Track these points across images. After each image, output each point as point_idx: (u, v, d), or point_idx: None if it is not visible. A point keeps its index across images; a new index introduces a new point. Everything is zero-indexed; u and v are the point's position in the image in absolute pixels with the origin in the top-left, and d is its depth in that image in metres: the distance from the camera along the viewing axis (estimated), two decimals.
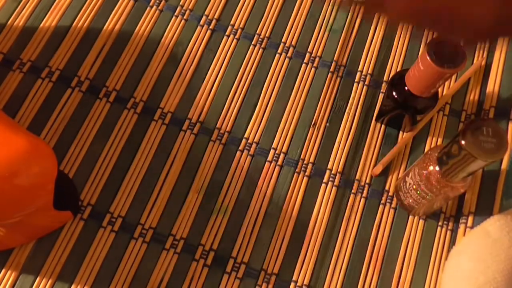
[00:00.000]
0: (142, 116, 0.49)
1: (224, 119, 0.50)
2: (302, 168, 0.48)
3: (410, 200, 0.45)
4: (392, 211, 0.48)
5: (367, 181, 0.49)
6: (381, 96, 0.52)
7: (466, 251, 0.43)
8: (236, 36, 0.54)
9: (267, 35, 0.54)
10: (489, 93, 0.53)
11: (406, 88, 0.44)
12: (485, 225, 0.44)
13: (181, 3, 0.54)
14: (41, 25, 0.52)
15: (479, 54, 0.55)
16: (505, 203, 0.48)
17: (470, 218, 0.47)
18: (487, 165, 0.36)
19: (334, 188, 0.48)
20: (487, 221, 0.44)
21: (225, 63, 0.52)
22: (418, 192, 0.43)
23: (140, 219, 0.45)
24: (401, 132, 0.51)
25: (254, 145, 0.49)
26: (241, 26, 0.54)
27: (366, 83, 0.53)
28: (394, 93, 0.46)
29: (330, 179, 0.48)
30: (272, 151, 0.49)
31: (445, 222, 0.48)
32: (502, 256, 0.41)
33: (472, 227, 0.46)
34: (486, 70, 0.54)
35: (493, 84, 0.53)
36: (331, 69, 0.53)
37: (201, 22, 0.54)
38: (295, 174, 0.48)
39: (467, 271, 0.42)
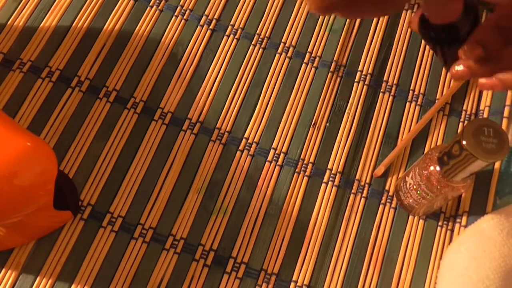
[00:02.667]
0: (142, 116, 0.49)
1: (224, 119, 0.50)
2: (302, 168, 0.48)
3: (410, 200, 0.45)
4: (392, 211, 0.48)
5: (367, 181, 0.49)
6: (381, 95, 0.52)
7: (460, 249, 0.44)
8: (236, 36, 0.53)
9: (267, 35, 0.54)
10: (484, 92, 0.53)
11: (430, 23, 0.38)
12: (479, 224, 0.44)
13: (181, 3, 0.54)
14: (41, 25, 0.52)
15: None
16: (499, 202, 0.48)
17: (464, 217, 0.47)
18: (488, 166, 0.36)
19: (334, 188, 0.48)
20: (480, 219, 0.45)
21: (225, 63, 0.52)
22: (418, 192, 0.43)
23: (140, 219, 0.45)
24: (401, 132, 0.51)
25: (254, 145, 0.49)
26: (241, 26, 0.54)
27: (366, 83, 0.53)
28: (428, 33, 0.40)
29: (330, 179, 0.48)
30: (272, 151, 0.49)
31: (445, 222, 0.48)
32: (495, 254, 0.42)
33: (466, 226, 0.47)
34: None
35: None
36: (331, 69, 0.53)
37: (201, 22, 0.54)
38: (295, 174, 0.48)
39: (461, 269, 0.42)
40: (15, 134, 0.37)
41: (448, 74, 0.54)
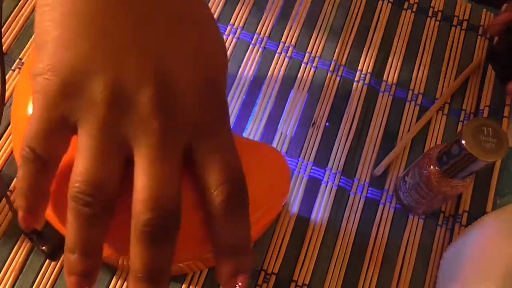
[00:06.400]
0: None
1: None
2: (302, 168, 0.49)
3: (410, 200, 0.45)
4: (392, 211, 0.48)
5: (367, 180, 0.49)
6: (380, 95, 0.52)
7: (460, 249, 0.44)
8: (236, 36, 0.54)
9: (267, 35, 0.54)
10: (484, 92, 0.53)
11: None
12: (479, 224, 0.44)
13: None
14: None
15: (479, 51, 0.55)
16: (499, 202, 0.48)
17: (464, 217, 0.47)
18: (487, 165, 0.36)
19: (334, 188, 0.48)
20: (480, 219, 0.45)
21: None
22: (417, 191, 0.43)
23: None
24: (400, 132, 0.51)
25: None
26: (240, 25, 0.54)
27: (365, 82, 0.53)
28: None
29: (330, 178, 0.48)
30: None
31: (444, 222, 0.48)
32: (495, 254, 0.42)
33: (466, 226, 0.47)
34: (485, 68, 0.54)
35: (488, 83, 0.53)
36: (331, 69, 0.53)
37: None
38: (295, 174, 0.48)
39: (460, 270, 0.42)
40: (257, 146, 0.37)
41: (448, 74, 0.54)
